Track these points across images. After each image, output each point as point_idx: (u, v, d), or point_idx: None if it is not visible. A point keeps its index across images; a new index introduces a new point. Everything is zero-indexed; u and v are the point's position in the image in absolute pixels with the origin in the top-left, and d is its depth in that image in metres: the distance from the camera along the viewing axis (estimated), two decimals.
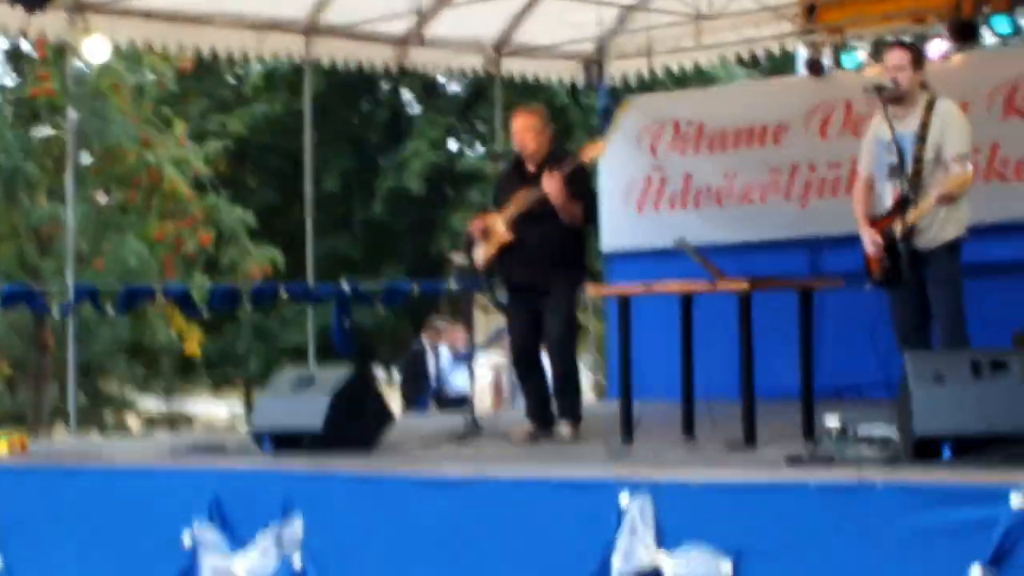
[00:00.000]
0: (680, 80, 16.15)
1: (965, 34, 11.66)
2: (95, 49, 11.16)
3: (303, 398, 8.10)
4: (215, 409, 28.64)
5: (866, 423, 7.10)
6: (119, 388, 24.11)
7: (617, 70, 13.81)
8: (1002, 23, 11.40)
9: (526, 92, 18.35)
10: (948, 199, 7.25)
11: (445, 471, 6.96)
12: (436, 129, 21.19)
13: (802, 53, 15.13)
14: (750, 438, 7.36)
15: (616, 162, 13.16)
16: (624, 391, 7.90)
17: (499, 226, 8.64)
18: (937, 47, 12.02)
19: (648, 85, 15.07)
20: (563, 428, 8.58)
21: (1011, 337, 10.46)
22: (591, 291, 8.16)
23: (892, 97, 7.48)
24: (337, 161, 21.31)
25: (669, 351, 11.57)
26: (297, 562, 6.96)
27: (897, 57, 7.60)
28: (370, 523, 6.93)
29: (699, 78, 17.35)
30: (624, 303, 7.94)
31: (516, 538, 6.47)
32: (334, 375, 8.17)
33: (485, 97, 19.83)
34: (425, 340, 15.04)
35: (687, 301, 7.98)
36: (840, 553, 5.70)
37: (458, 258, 8.76)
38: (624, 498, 6.16)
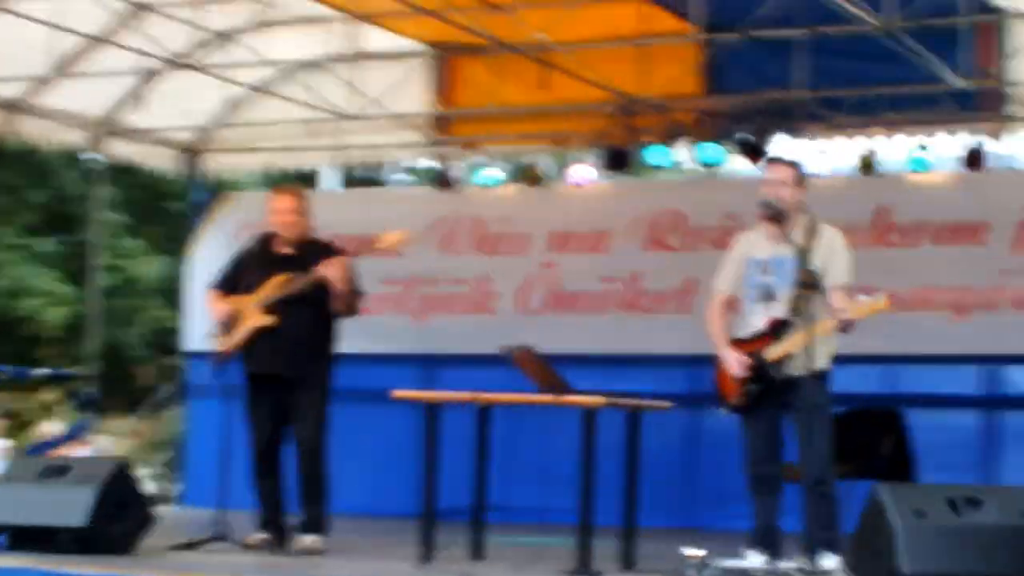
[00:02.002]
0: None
1: (617, 162, 11.58)
2: None
3: (58, 489, 7.17)
4: None
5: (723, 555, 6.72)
6: None
7: (217, 162, 12.92)
8: (658, 154, 11.32)
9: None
10: (850, 326, 6.76)
11: None
12: None
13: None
14: (586, 566, 6.72)
15: (210, 258, 12.11)
16: (427, 505, 7.03)
17: (252, 309, 7.73)
18: (580, 172, 11.93)
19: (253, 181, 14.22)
20: (307, 540, 7.65)
21: None
22: (397, 394, 7.27)
23: (773, 215, 6.93)
24: None
25: None
26: None
27: (780, 173, 7.06)
28: None
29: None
30: (432, 411, 7.14)
31: None
32: (93, 466, 7.39)
33: None
34: None
35: (484, 413, 7.32)
36: None
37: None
38: None
